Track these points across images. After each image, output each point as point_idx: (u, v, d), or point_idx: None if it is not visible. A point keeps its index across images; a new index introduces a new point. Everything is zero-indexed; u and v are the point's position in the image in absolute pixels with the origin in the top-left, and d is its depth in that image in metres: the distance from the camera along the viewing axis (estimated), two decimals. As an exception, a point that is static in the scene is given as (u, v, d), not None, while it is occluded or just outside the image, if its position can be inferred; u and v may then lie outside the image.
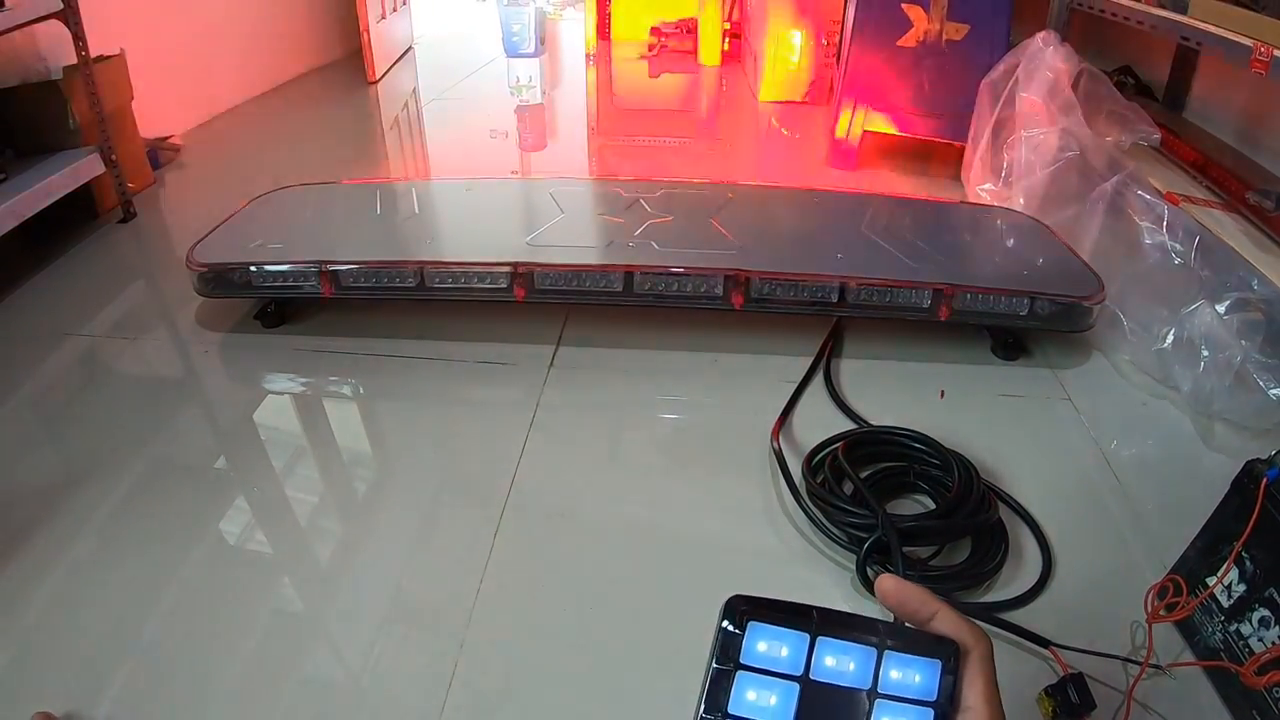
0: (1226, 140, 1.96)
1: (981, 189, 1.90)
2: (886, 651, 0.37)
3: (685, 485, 1.15)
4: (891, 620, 0.40)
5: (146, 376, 1.38)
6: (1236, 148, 1.91)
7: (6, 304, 1.57)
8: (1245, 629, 0.81)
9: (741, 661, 0.37)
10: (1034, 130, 1.77)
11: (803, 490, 1.07)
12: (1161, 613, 0.86)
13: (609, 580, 0.98)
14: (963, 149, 2.04)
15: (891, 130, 2.23)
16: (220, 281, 1.39)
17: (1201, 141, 1.93)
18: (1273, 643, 0.77)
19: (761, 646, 0.37)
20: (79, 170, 1.77)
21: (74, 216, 1.87)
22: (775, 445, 1.16)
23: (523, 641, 0.91)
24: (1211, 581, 0.85)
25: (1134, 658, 0.87)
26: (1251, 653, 0.80)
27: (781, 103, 3.01)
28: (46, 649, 0.89)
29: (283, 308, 1.47)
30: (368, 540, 1.06)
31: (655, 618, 0.93)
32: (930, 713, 0.36)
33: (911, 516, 1.03)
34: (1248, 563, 0.82)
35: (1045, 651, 0.87)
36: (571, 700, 0.85)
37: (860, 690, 0.37)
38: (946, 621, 0.38)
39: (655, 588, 0.97)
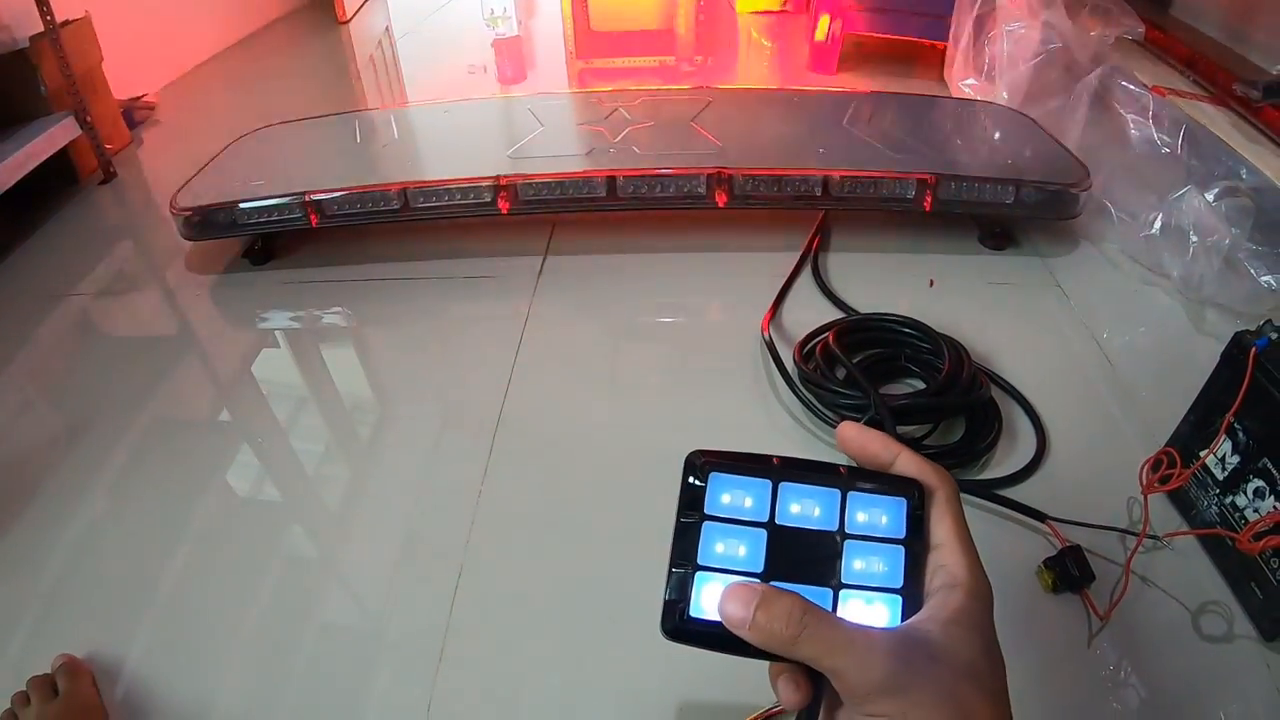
0: (1214, 35, 1.90)
1: (964, 84, 1.87)
2: (851, 493, 0.36)
3: (677, 380, 1.16)
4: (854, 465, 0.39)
5: (142, 326, 1.39)
6: (1224, 43, 1.86)
7: (-6, 274, 1.56)
8: (1240, 501, 0.81)
9: (706, 512, 0.37)
10: (1015, 24, 1.72)
11: (795, 377, 1.09)
12: (1156, 484, 0.85)
13: (605, 477, 1.00)
14: (945, 50, 2.00)
15: (872, 31, 2.18)
16: (205, 224, 1.39)
17: (1189, 37, 1.88)
18: (1269, 511, 0.77)
19: (725, 498, 0.37)
20: (55, 135, 1.75)
21: (54, 183, 1.85)
22: (766, 336, 1.17)
23: (523, 542, 0.93)
24: (1204, 454, 0.84)
25: (1131, 529, 0.88)
26: (1247, 523, 0.79)
27: (760, 13, 2.94)
28: (66, 598, 0.91)
29: (270, 244, 1.46)
30: (369, 464, 1.08)
31: (650, 514, 0.94)
32: (901, 550, 0.35)
33: (904, 395, 1.05)
34: (1240, 434, 0.80)
35: (1043, 525, 0.88)
36: (570, 595, 0.87)
37: (829, 532, 0.36)
38: (909, 463, 0.38)
39: (652, 481, 0.98)
